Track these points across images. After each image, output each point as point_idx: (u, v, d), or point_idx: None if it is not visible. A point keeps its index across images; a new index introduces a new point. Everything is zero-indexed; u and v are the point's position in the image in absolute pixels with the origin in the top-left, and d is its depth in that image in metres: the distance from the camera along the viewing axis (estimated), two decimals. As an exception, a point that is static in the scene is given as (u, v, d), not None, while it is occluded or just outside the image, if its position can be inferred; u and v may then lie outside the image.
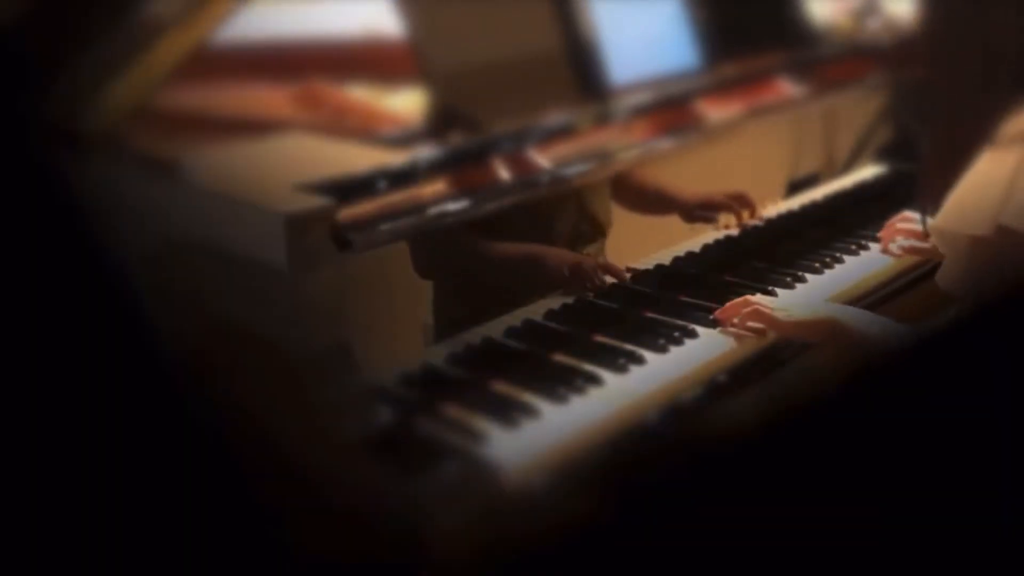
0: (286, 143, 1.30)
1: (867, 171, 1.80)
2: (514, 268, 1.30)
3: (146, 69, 1.12)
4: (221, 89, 1.27)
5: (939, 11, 1.13)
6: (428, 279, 1.19)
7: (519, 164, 1.31)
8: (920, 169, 1.31)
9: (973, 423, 0.95)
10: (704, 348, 1.23)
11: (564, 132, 1.40)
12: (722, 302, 1.29)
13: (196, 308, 1.13)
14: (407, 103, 1.39)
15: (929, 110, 1.21)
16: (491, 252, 1.27)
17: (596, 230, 1.38)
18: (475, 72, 1.38)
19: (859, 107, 1.80)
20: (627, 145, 1.42)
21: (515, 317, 1.26)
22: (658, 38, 1.59)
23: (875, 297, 1.43)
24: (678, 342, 1.23)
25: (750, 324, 1.25)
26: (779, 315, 1.24)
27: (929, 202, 1.20)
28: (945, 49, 1.11)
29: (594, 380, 1.14)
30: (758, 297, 1.28)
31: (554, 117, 1.42)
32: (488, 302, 1.26)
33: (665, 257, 1.45)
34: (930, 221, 1.17)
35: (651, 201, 1.51)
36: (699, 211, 1.55)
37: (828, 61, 1.79)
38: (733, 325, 1.26)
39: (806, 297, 1.38)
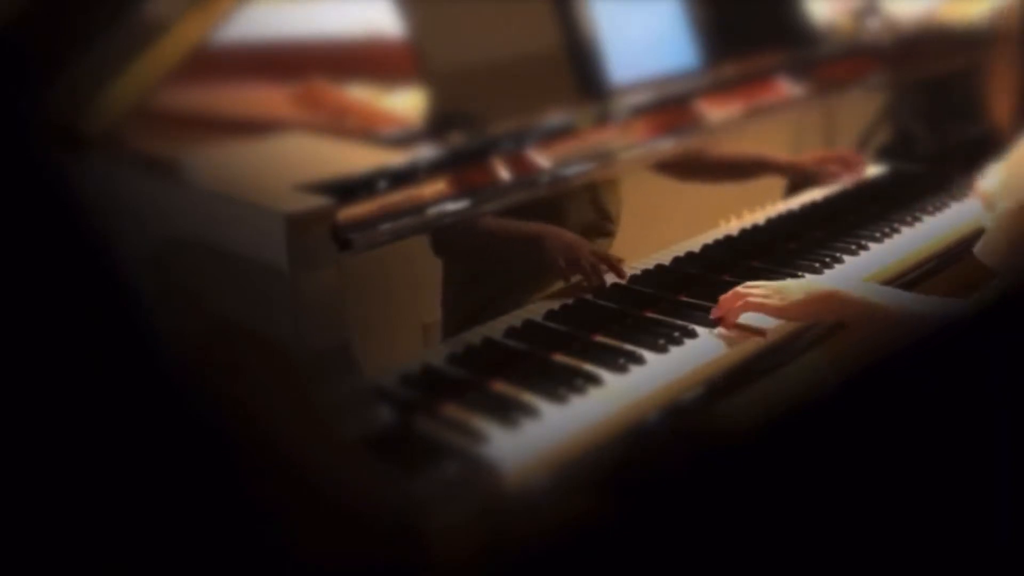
0: (286, 143, 1.30)
1: (867, 171, 1.80)
2: (515, 246, 1.30)
3: (146, 69, 1.12)
4: (221, 89, 1.27)
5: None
6: (445, 261, 1.19)
7: (519, 164, 1.31)
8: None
9: (975, 422, 0.95)
10: (704, 348, 1.23)
11: (564, 132, 1.40)
12: (722, 302, 1.29)
13: (196, 308, 1.13)
14: (407, 103, 1.39)
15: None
16: (495, 229, 1.26)
17: (598, 229, 1.38)
18: (475, 72, 1.38)
19: (859, 107, 1.80)
20: (627, 145, 1.42)
21: (515, 317, 1.26)
22: (658, 38, 1.59)
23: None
24: (678, 342, 1.23)
25: (747, 321, 1.25)
26: (774, 300, 1.23)
27: None
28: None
29: (594, 380, 1.14)
30: (749, 288, 1.26)
31: (554, 117, 1.42)
32: (494, 285, 1.25)
33: (665, 257, 1.45)
34: (978, 190, 1.21)
35: (743, 169, 1.57)
36: (812, 171, 1.65)
37: (828, 61, 1.79)
38: (731, 324, 1.25)
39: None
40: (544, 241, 1.31)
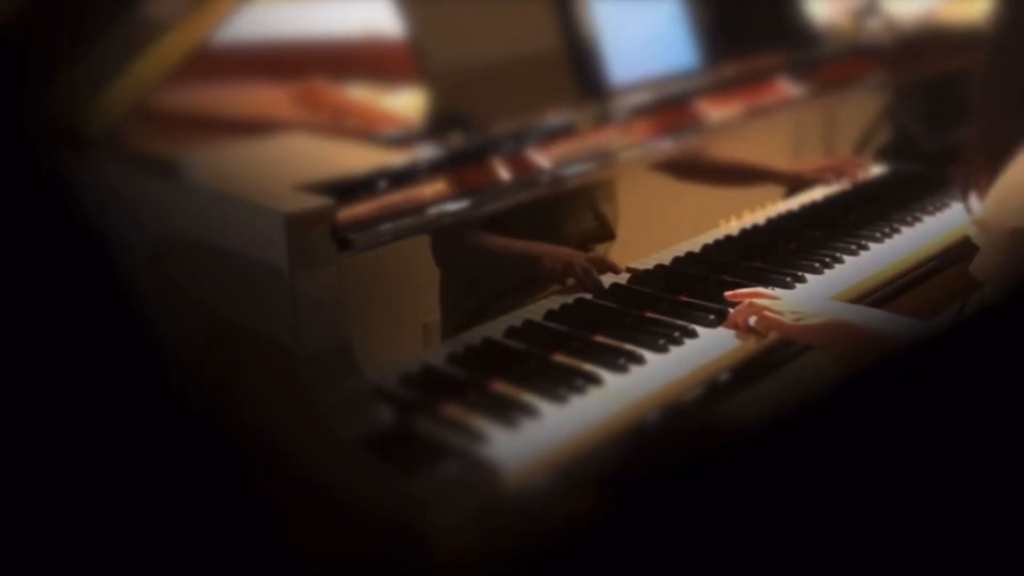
0: (286, 143, 1.30)
1: (867, 171, 1.80)
2: (511, 264, 1.30)
3: (146, 69, 1.12)
4: (221, 89, 1.27)
5: (1005, 12, 1.17)
6: (442, 269, 1.19)
7: (519, 164, 1.31)
8: (961, 162, 1.32)
9: (975, 422, 0.95)
10: (704, 348, 1.23)
11: (564, 132, 1.40)
12: (722, 302, 1.29)
13: (196, 308, 1.13)
14: (407, 103, 1.39)
15: (977, 105, 1.23)
16: (489, 247, 1.27)
17: (598, 230, 1.38)
18: (475, 72, 1.38)
19: (859, 107, 1.80)
20: (627, 145, 1.42)
21: (515, 317, 1.26)
22: (658, 38, 1.59)
23: (875, 297, 1.43)
24: (678, 342, 1.23)
25: (758, 328, 1.24)
26: (788, 319, 1.22)
27: (969, 195, 1.24)
28: (1006, 48, 1.15)
29: (594, 380, 1.14)
30: (764, 300, 1.26)
31: (554, 117, 1.42)
32: (490, 297, 1.25)
33: (665, 257, 1.45)
34: (972, 213, 1.20)
35: (742, 173, 1.58)
36: (815, 175, 1.68)
37: (828, 61, 1.79)
38: (741, 330, 1.24)
39: (806, 297, 1.38)
40: (543, 259, 1.31)
